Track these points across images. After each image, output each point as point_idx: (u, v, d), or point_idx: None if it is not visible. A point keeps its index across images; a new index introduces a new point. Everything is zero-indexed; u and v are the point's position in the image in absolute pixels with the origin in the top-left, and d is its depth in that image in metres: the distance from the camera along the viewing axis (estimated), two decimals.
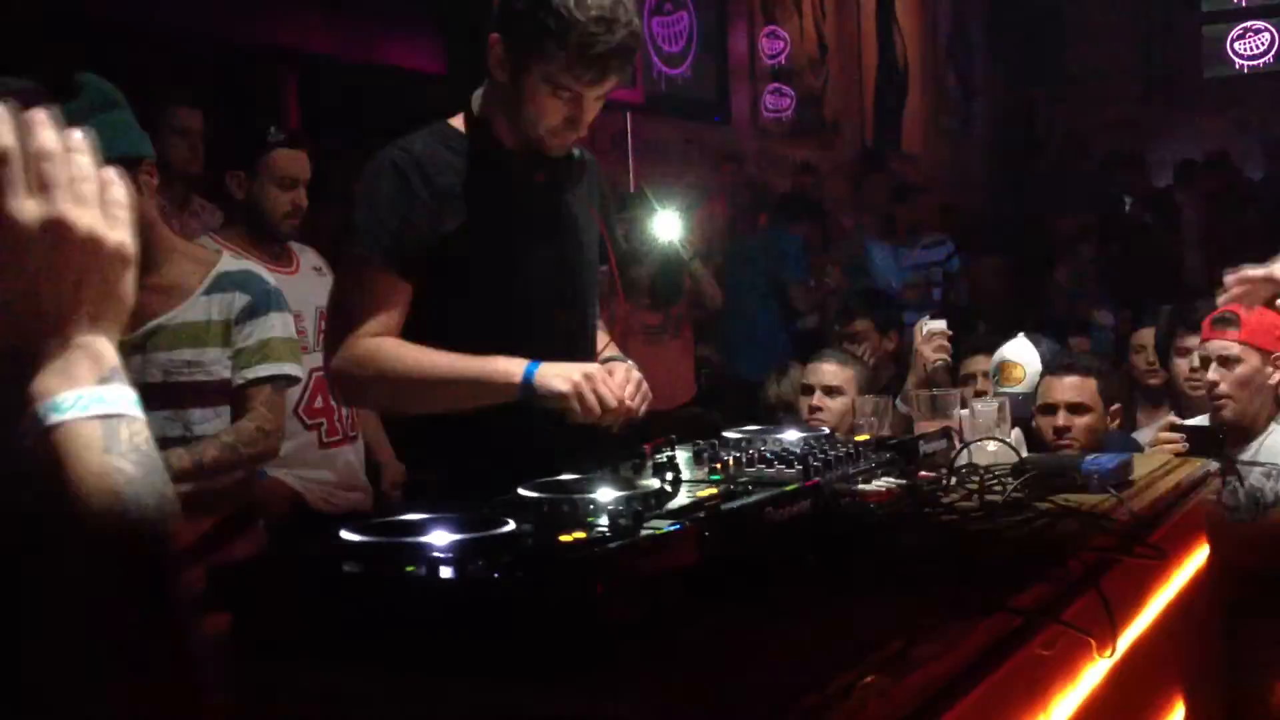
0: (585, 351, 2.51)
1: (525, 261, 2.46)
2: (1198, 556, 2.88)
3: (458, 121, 2.50)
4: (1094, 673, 1.91)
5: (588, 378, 2.28)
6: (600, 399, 2.26)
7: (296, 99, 5.70)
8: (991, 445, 2.66)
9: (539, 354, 2.33)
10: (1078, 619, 1.83)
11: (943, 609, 1.67)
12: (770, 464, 2.11)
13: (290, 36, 5.54)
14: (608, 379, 2.30)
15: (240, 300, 2.86)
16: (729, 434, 2.44)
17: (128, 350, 2.45)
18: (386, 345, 2.36)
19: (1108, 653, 1.89)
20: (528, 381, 2.28)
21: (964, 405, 2.91)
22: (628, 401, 2.31)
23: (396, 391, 2.41)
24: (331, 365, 2.41)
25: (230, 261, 2.97)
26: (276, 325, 2.91)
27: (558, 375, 2.28)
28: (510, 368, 2.30)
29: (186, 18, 4.93)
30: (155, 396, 2.65)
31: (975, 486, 2.31)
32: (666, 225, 5.67)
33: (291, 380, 2.96)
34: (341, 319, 2.40)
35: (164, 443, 2.58)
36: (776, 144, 10.18)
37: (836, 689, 1.39)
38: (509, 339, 2.35)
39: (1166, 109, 13.37)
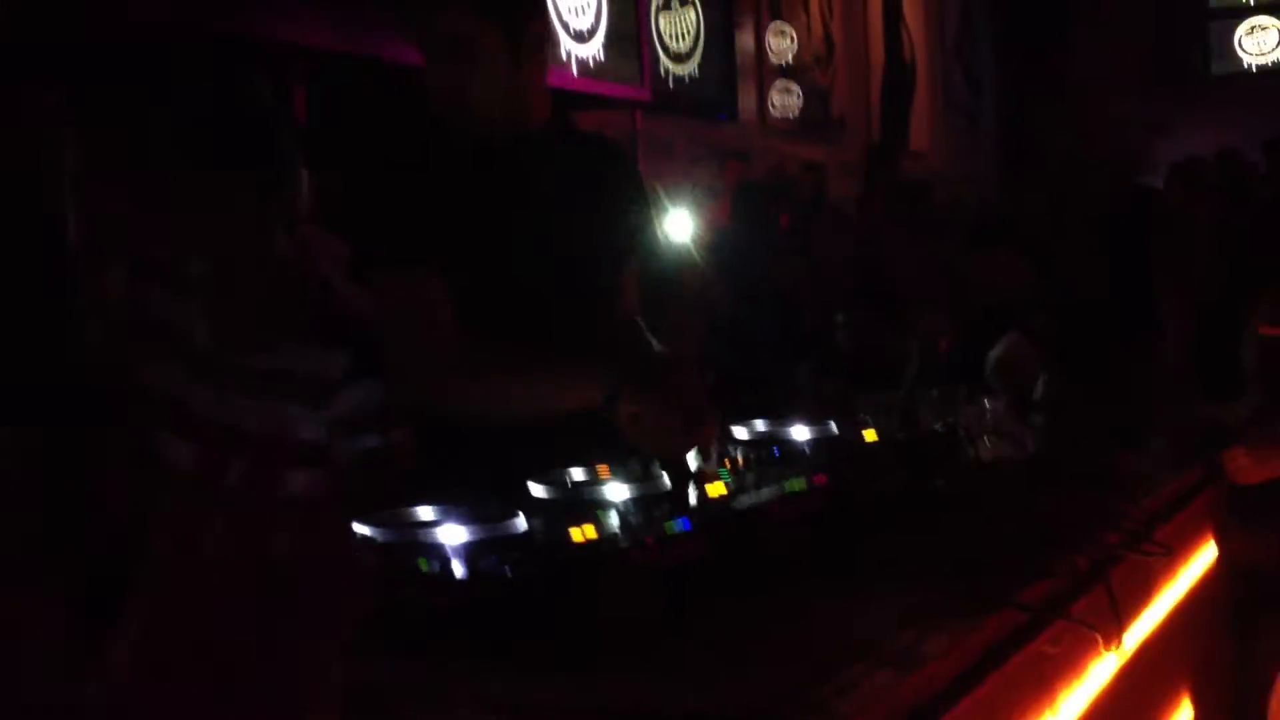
0: (586, 348, 2.45)
1: (500, 249, 2.38)
2: (1206, 553, 2.88)
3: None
4: (1101, 669, 1.92)
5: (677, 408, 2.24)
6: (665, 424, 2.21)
7: (305, 96, 5.72)
8: (1000, 441, 2.66)
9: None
10: (1084, 615, 1.84)
11: (950, 605, 1.68)
12: (779, 462, 2.12)
13: (298, 33, 5.55)
14: (672, 410, 2.24)
15: None
16: (737, 431, 2.44)
17: None
18: (477, 352, 2.28)
19: (1114, 648, 1.90)
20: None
21: (973, 401, 2.92)
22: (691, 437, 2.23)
23: (499, 397, 2.30)
24: (439, 383, 2.27)
25: None
26: None
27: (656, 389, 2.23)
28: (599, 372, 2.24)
29: (194, 12, 4.94)
30: None
31: (983, 482, 2.32)
32: (673, 226, 5.67)
33: None
34: (411, 334, 2.28)
35: None
36: (784, 141, 10.19)
37: (843, 683, 1.40)
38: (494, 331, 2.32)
39: (1173, 105, 13.36)
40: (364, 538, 1.57)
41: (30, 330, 2.01)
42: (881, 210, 9.07)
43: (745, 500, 1.87)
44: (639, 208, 2.62)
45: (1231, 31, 14.45)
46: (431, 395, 2.28)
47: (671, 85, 8.84)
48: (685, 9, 9.06)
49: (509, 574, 1.45)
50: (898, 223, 8.87)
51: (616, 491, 1.81)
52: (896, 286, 7.55)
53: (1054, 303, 7.41)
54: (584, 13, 6.91)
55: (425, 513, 1.68)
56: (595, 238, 2.49)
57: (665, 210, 5.70)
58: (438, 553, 1.51)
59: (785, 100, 10.44)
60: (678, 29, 9.00)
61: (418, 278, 2.29)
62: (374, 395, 2.46)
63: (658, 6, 8.69)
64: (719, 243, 7.49)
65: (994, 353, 4.13)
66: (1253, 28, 14.34)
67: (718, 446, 2.24)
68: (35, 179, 2.04)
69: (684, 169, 8.43)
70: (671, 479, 1.93)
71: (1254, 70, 14.28)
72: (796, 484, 1.96)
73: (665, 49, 8.82)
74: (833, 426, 2.37)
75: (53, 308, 2.05)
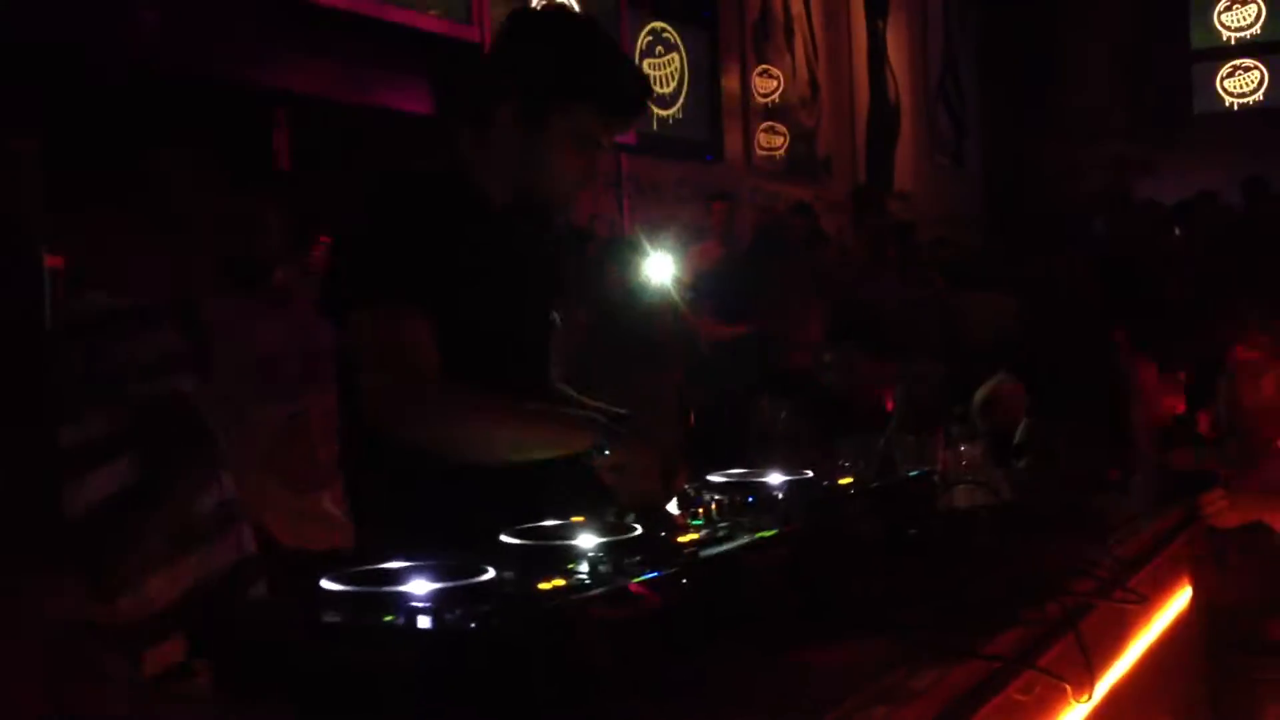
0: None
1: (504, 317, 2.44)
2: (1182, 597, 2.89)
3: (443, 174, 2.48)
4: (1071, 718, 1.92)
5: (655, 458, 2.26)
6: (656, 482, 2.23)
7: (289, 139, 5.74)
8: (976, 487, 2.67)
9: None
10: (1056, 664, 1.84)
11: (920, 653, 1.69)
12: (751, 509, 2.13)
13: (282, 78, 5.58)
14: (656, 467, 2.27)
15: None
16: (712, 478, 2.45)
17: None
18: (472, 394, 2.29)
19: (1085, 698, 1.90)
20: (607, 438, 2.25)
21: (950, 446, 2.93)
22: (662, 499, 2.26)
23: (491, 440, 2.32)
24: (415, 417, 2.28)
25: None
26: None
27: (635, 440, 2.27)
28: (588, 421, 2.29)
29: (180, 59, 4.97)
30: None
31: (956, 529, 2.32)
32: (658, 269, 5.68)
33: None
34: (401, 370, 2.28)
35: None
36: (769, 182, 10.24)
37: None
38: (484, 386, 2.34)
39: (1156, 145, 13.45)
40: (331, 590, 1.57)
41: None
42: (867, 250, 9.11)
43: (717, 548, 1.87)
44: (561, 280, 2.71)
45: (1214, 72, 14.57)
46: (421, 432, 2.27)
47: (656, 128, 8.89)
48: (670, 53, 9.12)
49: (474, 627, 1.45)
50: (883, 263, 8.91)
51: (588, 541, 1.81)
52: (882, 327, 7.58)
53: (1040, 344, 7.43)
54: None
55: (392, 565, 1.68)
56: (544, 306, 2.58)
57: (648, 252, 5.71)
58: (403, 605, 1.51)
59: (770, 141, 10.50)
60: (662, 73, 9.05)
61: (408, 316, 2.29)
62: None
63: (641, 50, 8.75)
64: (705, 284, 7.51)
65: (979, 393, 4.15)
66: (1234, 69, 14.46)
67: (692, 494, 2.25)
68: (12, 229, 2.05)
69: (670, 210, 8.46)
70: (645, 527, 1.94)
71: (1235, 110, 14.39)
72: (769, 531, 1.97)
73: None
74: (808, 473, 2.37)
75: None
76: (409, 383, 2.27)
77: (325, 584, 1.59)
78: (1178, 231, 9.64)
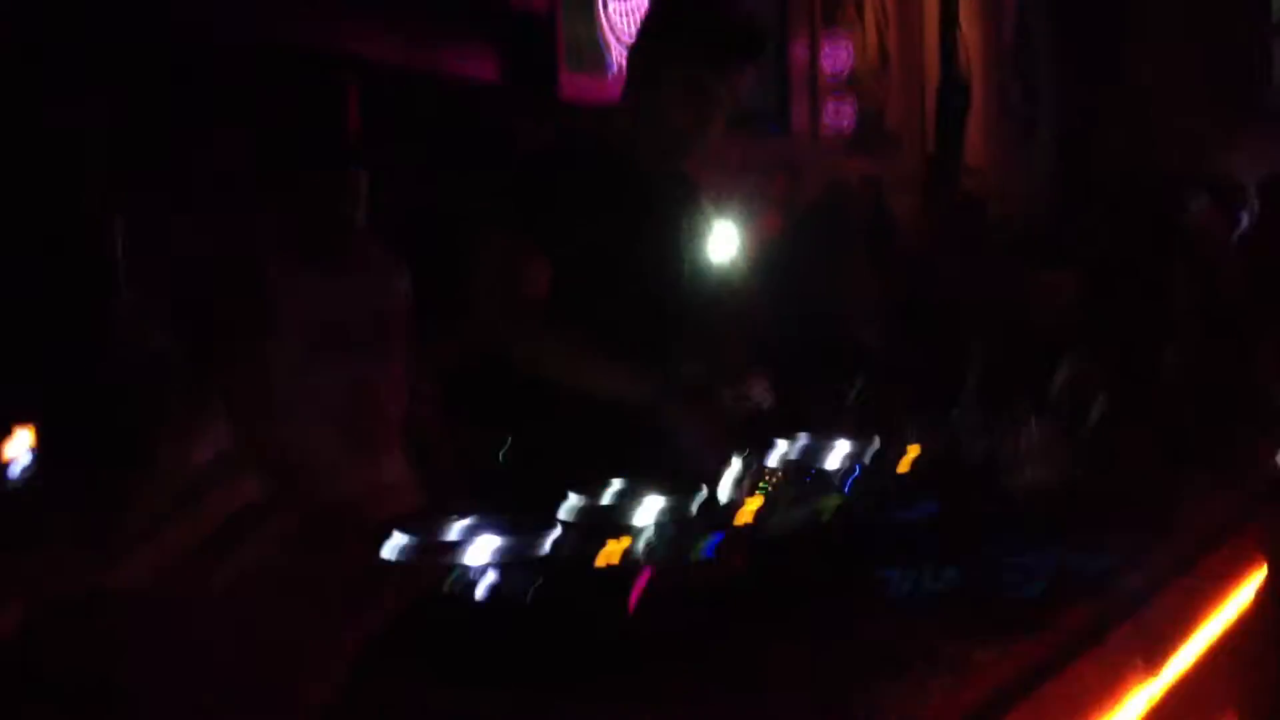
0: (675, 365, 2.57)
1: (652, 276, 2.58)
2: (1256, 578, 2.83)
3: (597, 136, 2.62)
4: (1140, 697, 1.89)
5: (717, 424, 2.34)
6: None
7: (357, 106, 5.76)
8: (1043, 465, 2.63)
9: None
10: (1124, 642, 1.81)
11: (985, 630, 1.66)
12: (815, 481, 2.10)
13: (351, 44, 5.60)
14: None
15: None
16: (775, 449, 2.42)
17: None
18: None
19: (1154, 677, 1.87)
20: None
21: (1016, 424, 2.88)
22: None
23: (567, 368, 2.47)
24: (508, 328, 2.46)
25: None
26: None
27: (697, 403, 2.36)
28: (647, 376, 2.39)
29: (246, 26, 5.00)
30: None
31: (1024, 506, 2.29)
32: (724, 242, 5.63)
33: None
34: (509, 291, 2.46)
35: None
36: (836, 155, 10.14)
37: (868, 706, 1.39)
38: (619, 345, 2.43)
39: (1234, 119, 13.17)
40: (386, 558, 1.57)
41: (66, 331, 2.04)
42: (937, 225, 9.01)
43: (779, 519, 1.85)
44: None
45: None
46: (507, 341, 2.47)
47: None
48: None
49: (529, 599, 1.44)
50: (955, 240, 8.80)
51: (645, 514, 1.79)
52: (954, 304, 7.49)
53: (1114, 323, 7.30)
54: (635, 23, 6.92)
55: (451, 531, 1.67)
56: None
57: (713, 224, 5.67)
58: (461, 574, 1.51)
59: (838, 113, 10.40)
60: None
61: (531, 245, 2.45)
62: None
63: None
64: (769, 257, 7.46)
65: (1059, 374, 4.08)
66: None
67: (754, 465, 2.22)
68: (78, 184, 2.07)
69: (733, 182, 8.40)
70: (704, 498, 1.92)
71: None
72: (832, 503, 1.95)
73: None
74: (871, 448, 2.35)
75: (91, 311, 2.08)
76: (512, 302, 2.43)
77: (388, 541, 1.59)
78: (1257, 209, 9.42)
